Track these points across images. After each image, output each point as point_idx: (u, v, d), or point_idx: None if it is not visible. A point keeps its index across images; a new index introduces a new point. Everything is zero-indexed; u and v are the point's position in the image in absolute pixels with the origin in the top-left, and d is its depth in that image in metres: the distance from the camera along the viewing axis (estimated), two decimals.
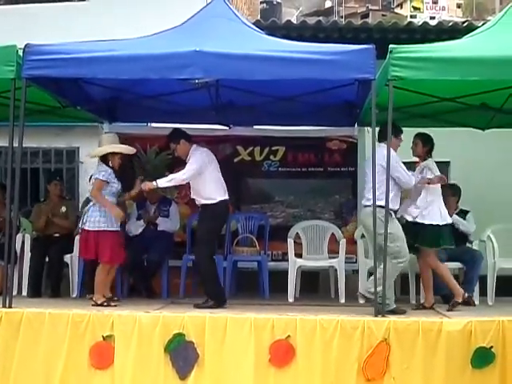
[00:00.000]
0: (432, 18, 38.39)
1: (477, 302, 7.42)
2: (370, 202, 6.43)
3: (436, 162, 7.03)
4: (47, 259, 7.93)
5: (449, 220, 6.99)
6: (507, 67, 6.01)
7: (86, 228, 6.92)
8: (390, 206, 6.45)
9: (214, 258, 7.07)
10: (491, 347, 5.83)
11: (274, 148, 9.07)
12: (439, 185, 6.99)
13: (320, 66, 6.21)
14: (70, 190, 10.55)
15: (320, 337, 5.91)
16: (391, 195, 6.44)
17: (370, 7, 51.19)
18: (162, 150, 8.87)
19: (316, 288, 9.10)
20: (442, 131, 8.41)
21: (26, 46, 6.32)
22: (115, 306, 6.78)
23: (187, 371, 5.97)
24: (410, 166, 7.17)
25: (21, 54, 6.31)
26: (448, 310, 6.73)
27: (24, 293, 7.73)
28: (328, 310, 6.63)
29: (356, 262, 8.15)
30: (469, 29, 8.43)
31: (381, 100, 6.35)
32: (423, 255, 7.08)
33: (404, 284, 7.85)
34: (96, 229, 6.88)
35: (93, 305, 6.80)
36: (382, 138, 6.50)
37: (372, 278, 6.57)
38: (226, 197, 7.08)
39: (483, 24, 7.56)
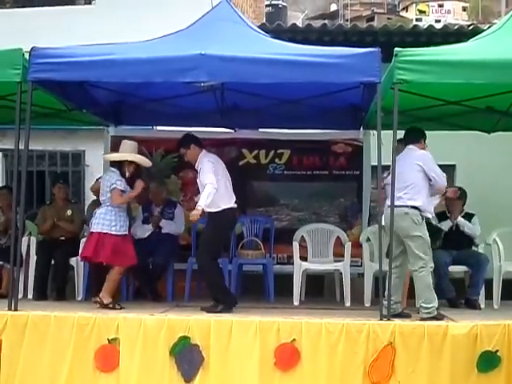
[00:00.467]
0: (437, 21, 38.38)
1: (482, 306, 7.43)
2: (404, 202, 6.41)
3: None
4: (53, 262, 7.93)
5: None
6: None
7: (92, 230, 6.99)
8: (428, 209, 6.52)
9: (217, 262, 7.05)
10: (497, 351, 5.81)
11: (279, 151, 9.04)
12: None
13: (325, 69, 6.22)
14: (75, 194, 10.58)
15: (325, 340, 5.90)
16: (424, 197, 6.48)
17: (375, 10, 51.07)
18: (167, 153, 8.87)
19: (321, 291, 9.09)
20: (447, 134, 8.42)
21: (31, 49, 6.34)
22: (121, 308, 6.79)
23: (192, 374, 5.97)
24: None
25: (27, 57, 6.31)
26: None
27: (30, 296, 7.73)
28: (333, 313, 6.63)
29: (361, 265, 8.12)
30: (474, 32, 8.40)
31: (386, 103, 6.34)
32: None
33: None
34: (99, 230, 6.92)
35: (98, 302, 6.81)
36: (412, 139, 6.62)
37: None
38: (232, 205, 6.98)
39: (489, 27, 7.57)
